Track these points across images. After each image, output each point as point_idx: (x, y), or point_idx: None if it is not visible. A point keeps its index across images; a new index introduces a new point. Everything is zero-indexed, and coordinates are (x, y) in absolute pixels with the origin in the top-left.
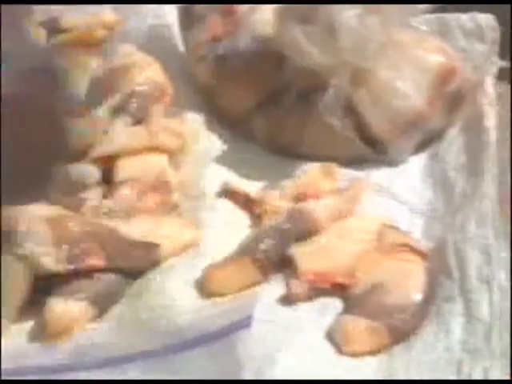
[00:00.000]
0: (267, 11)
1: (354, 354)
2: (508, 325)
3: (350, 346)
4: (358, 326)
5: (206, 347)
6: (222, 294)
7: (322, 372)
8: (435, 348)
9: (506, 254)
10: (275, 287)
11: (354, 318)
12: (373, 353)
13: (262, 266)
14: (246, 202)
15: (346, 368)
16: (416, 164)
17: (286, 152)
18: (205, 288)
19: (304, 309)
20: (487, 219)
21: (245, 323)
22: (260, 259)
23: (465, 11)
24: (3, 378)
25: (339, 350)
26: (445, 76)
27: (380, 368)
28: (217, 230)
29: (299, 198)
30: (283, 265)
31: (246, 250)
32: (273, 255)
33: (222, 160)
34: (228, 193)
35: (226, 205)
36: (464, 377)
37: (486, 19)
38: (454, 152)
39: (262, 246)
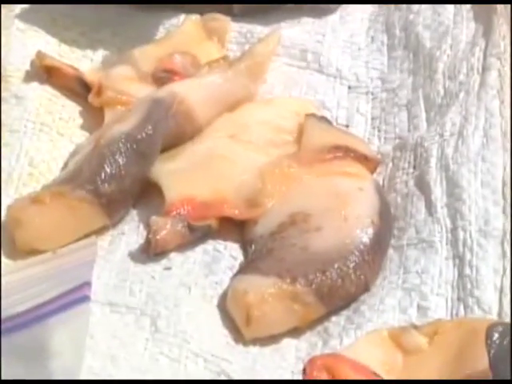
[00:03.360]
0: None
1: (264, 340)
2: None
3: (254, 326)
4: (266, 292)
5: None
6: (38, 249)
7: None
8: (396, 318)
9: None
10: (132, 234)
11: (258, 278)
12: (295, 333)
13: (109, 201)
14: (77, 86)
15: (247, 364)
16: (359, 13)
17: None
18: (10, 239)
19: (178, 266)
20: (496, 124)
21: (76, 297)
22: (104, 191)
23: None
24: None
25: (238, 336)
26: None
27: (309, 356)
28: (28, 137)
29: (164, 76)
30: (144, 195)
31: (78, 178)
32: (126, 183)
33: (31, 18)
34: (45, 72)
35: (44, 92)
36: None
37: None
38: None
39: (107, 169)
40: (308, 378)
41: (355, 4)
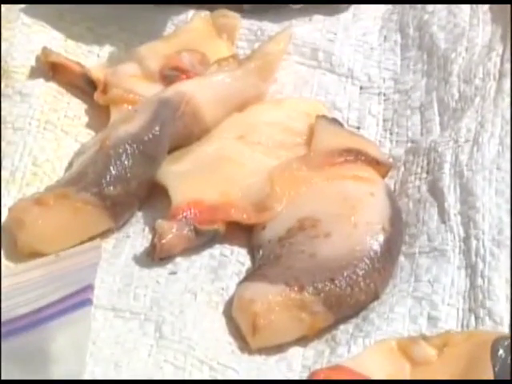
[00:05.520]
0: None
1: (270, 347)
2: None
3: (260, 335)
4: (273, 301)
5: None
6: (40, 252)
7: None
8: (406, 327)
9: None
10: (137, 237)
11: (265, 286)
12: (301, 340)
13: (114, 204)
14: (82, 83)
15: (253, 373)
16: (372, 12)
17: None
18: (12, 241)
19: (183, 270)
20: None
21: (78, 301)
22: (109, 194)
23: None
24: None
25: (244, 345)
26: None
27: (316, 364)
28: (32, 135)
29: (171, 74)
30: (150, 198)
31: (83, 180)
32: (131, 185)
33: (38, 12)
34: (50, 68)
35: (48, 89)
36: None
37: None
38: None
39: (113, 171)
40: None
41: (367, 4)
